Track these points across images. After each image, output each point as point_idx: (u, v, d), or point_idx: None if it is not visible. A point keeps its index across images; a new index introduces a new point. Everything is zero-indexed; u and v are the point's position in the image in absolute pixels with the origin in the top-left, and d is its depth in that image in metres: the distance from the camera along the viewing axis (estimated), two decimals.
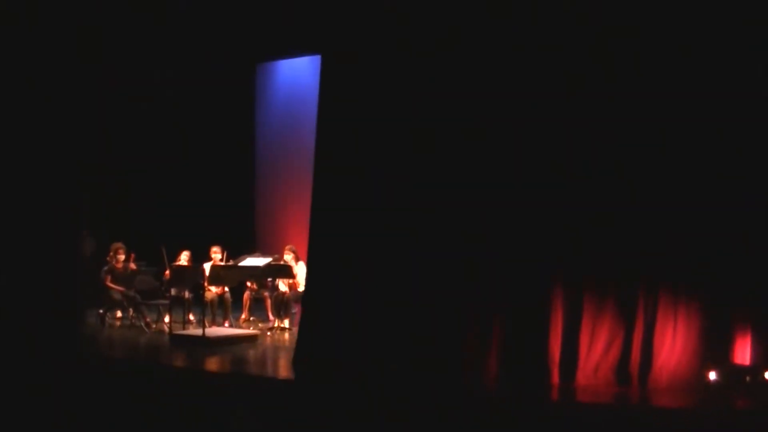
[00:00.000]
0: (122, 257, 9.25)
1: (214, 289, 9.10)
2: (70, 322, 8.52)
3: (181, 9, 8.75)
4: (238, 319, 9.50)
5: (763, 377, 5.80)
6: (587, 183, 6.08)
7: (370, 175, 6.64)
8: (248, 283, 9.48)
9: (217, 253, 9.17)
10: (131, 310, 9.37)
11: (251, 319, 9.46)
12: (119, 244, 9.35)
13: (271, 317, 9.29)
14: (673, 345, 5.98)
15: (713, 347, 5.94)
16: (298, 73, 11.46)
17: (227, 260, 9.16)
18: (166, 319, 9.12)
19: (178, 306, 9.15)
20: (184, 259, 9.22)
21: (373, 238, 6.61)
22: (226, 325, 9.08)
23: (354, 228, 6.66)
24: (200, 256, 9.27)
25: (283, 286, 9.22)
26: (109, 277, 9.18)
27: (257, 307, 9.65)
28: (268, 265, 8.95)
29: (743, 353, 5.93)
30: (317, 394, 6.16)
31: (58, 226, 8.69)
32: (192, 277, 8.88)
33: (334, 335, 6.57)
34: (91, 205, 10.92)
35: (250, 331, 8.73)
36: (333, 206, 6.77)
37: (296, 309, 9.57)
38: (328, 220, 6.79)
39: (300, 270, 9.15)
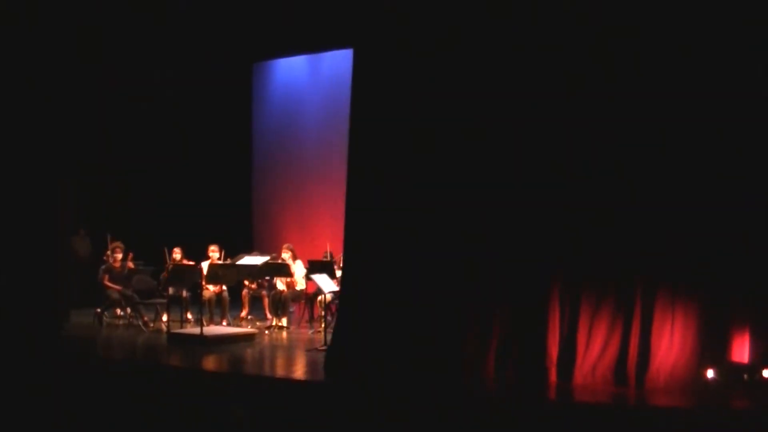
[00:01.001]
0: (119, 256, 9.08)
1: (211, 288, 8.90)
2: (53, 322, 8.30)
3: (181, 9, 8.55)
4: (237, 316, 9.30)
5: (761, 375, 5.64)
6: (587, 183, 5.90)
7: (370, 176, 6.41)
8: (246, 282, 9.26)
9: (215, 252, 8.99)
10: (129, 309, 9.17)
11: (249, 317, 9.23)
12: (117, 243, 9.18)
13: (268, 316, 9.06)
14: (670, 344, 5.81)
15: (711, 346, 5.76)
16: (294, 73, 11.29)
17: (225, 259, 8.97)
18: (164, 318, 8.97)
19: (176, 305, 8.96)
20: (177, 255, 9.04)
21: (372, 237, 6.38)
22: (224, 323, 8.90)
23: (358, 227, 6.42)
24: (198, 255, 9.06)
25: (280, 284, 9.03)
26: (106, 276, 9.02)
27: (255, 305, 9.47)
28: (266, 263, 8.78)
29: (741, 352, 5.76)
30: (318, 395, 5.97)
31: (42, 226, 8.49)
32: (190, 276, 8.68)
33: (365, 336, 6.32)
34: (91, 205, 10.72)
35: (248, 329, 8.52)
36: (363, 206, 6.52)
37: (294, 308, 9.41)
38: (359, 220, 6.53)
39: (297, 269, 8.98)
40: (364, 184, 6.45)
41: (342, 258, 6.85)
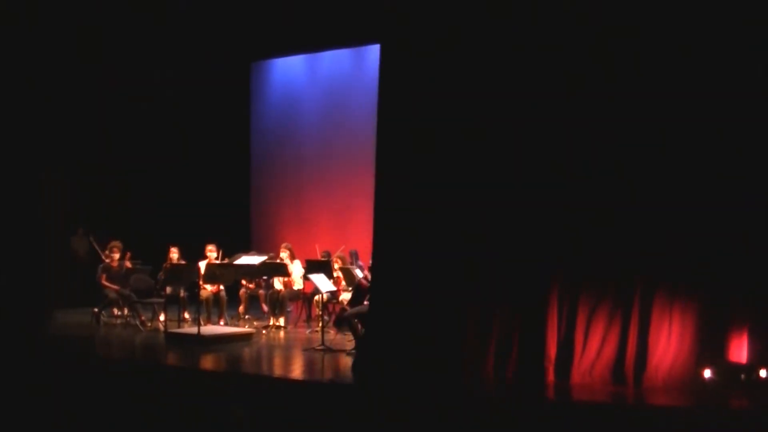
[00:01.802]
0: (117, 256, 8.98)
1: (209, 288, 8.78)
2: (35, 320, 8.19)
3: (181, 9, 8.48)
4: (236, 313, 9.20)
5: (759, 375, 5.55)
6: (587, 183, 5.80)
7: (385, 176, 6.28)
8: (243, 282, 9.16)
9: (212, 252, 8.90)
10: (125, 308, 9.07)
11: (247, 317, 9.13)
12: (115, 243, 9.07)
13: (265, 309, 8.99)
14: (668, 343, 5.71)
15: (709, 345, 5.66)
16: (292, 72, 11.23)
17: (222, 259, 8.88)
18: (162, 317, 8.87)
19: (174, 304, 8.85)
20: (174, 255, 8.96)
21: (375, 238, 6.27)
22: (222, 323, 8.80)
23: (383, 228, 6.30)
24: (196, 254, 8.97)
25: (278, 284, 8.92)
26: (104, 276, 8.91)
27: (253, 305, 9.36)
28: (264, 263, 8.68)
29: (739, 351, 5.66)
30: (316, 394, 5.83)
31: (26, 225, 8.40)
32: (187, 275, 8.58)
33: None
34: (91, 205, 10.62)
35: (246, 329, 8.41)
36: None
37: (291, 307, 9.29)
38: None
39: (295, 268, 8.88)
40: (390, 185, 6.30)
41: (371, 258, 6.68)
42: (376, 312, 6.17)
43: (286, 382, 6.05)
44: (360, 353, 6.37)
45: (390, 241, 6.20)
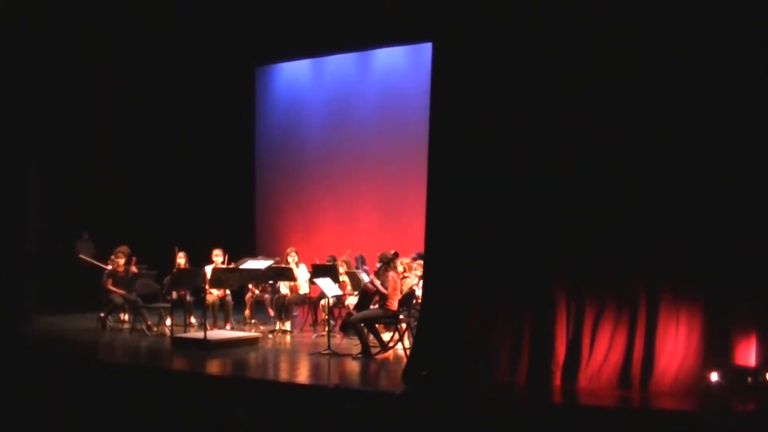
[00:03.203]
0: (122, 261, 9.53)
1: (215, 292, 9.36)
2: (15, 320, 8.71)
3: (181, 9, 9.05)
4: (241, 318, 9.75)
5: (766, 379, 5.89)
6: (587, 183, 6.27)
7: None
8: (250, 286, 9.77)
9: (218, 256, 9.45)
10: (129, 313, 9.64)
11: (253, 321, 9.73)
12: (121, 248, 9.62)
13: (271, 313, 9.57)
14: (675, 347, 6.10)
15: (715, 349, 6.04)
16: (297, 76, 11.78)
17: (228, 263, 9.44)
18: (168, 322, 9.42)
19: (180, 309, 9.43)
20: (181, 260, 9.50)
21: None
22: (228, 327, 9.34)
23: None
24: (200, 257, 9.54)
25: (284, 288, 9.51)
26: (110, 281, 9.47)
27: (259, 310, 9.93)
28: (270, 267, 9.23)
29: (747, 355, 6.02)
30: (321, 398, 6.35)
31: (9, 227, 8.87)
32: (192, 279, 9.15)
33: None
34: (91, 205, 11.25)
35: (251, 333, 8.96)
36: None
37: (297, 311, 9.88)
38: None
39: (300, 273, 9.45)
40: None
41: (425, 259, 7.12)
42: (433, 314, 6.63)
43: (292, 387, 6.53)
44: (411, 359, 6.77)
45: (445, 240, 6.64)
